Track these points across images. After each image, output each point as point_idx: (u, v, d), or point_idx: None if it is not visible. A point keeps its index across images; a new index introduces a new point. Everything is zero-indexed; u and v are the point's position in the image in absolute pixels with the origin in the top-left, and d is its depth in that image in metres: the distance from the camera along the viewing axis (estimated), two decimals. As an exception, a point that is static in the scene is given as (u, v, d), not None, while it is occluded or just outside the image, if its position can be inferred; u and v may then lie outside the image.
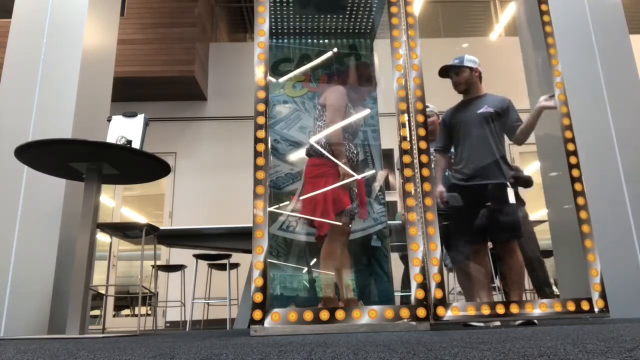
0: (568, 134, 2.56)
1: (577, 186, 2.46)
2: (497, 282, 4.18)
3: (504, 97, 2.94)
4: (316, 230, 2.89)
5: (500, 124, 2.86)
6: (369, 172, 3.22)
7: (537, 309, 2.21)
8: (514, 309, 2.22)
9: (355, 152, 2.98)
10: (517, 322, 2.52)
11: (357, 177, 2.91)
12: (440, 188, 2.85)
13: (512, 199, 2.78)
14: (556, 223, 3.28)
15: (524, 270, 2.79)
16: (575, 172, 2.48)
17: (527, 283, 4.31)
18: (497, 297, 4.06)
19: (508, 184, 2.79)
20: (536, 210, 4.06)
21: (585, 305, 2.24)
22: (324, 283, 2.82)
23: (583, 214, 2.42)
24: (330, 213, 2.77)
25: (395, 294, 3.29)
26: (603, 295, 2.26)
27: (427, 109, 3.25)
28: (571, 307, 2.23)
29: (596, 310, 2.22)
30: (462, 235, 2.92)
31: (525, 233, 3.94)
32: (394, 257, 4.00)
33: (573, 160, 2.51)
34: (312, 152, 2.97)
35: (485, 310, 2.21)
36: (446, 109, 3.14)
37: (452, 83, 2.98)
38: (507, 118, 2.87)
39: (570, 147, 2.53)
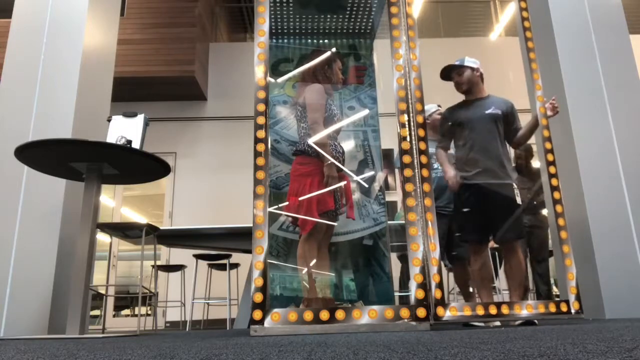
0: (547, 145, 2.67)
1: (556, 194, 2.59)
2: (497, 283, 4.19)
3: (507, 100, 2.92)
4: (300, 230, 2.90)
5: (504, 126, 2.86)
6: (368, 173, 3.21)
7: (525, 309, 2.31)
8: (505, 309, 2.28)
9: (341, 150, 2.96)
10: (517, 322, 2.53)
11: (341, 183, 2.90)
12: (452, 172, 2.83)
13: (517, 199, 2.77)
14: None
15: (525, 270, 2.79)
16: (554, 182, 2.61)
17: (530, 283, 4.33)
18: (497, 297, 4.06)
19: (514, 184, 2.78)
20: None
21: (563, 307, 2.36)
22: (307, 283, 2.82)
23: (561, 221, 2.54)
24: (314, 213, 2.77)
25: (395, 293, 3.29)
26: (578, 298, 2.40)
27: (439, 109, 3.27)
28: (552, 308, 2.35)
29: (573, 311, 2.36)
30: (465, 234, 2.91)
31: (539, 238, 3.95)
32: (394, 257, 4.00)
33: (552, 170, 2.63)
34: (297, 151, 2.97)
35: (482, 311, 2.24)
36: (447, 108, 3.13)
37: (454, 84, 2.96)
38: (511, 121, 2.86)
39: (550, 157, 2.66)
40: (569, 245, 2.50)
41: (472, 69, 2.91)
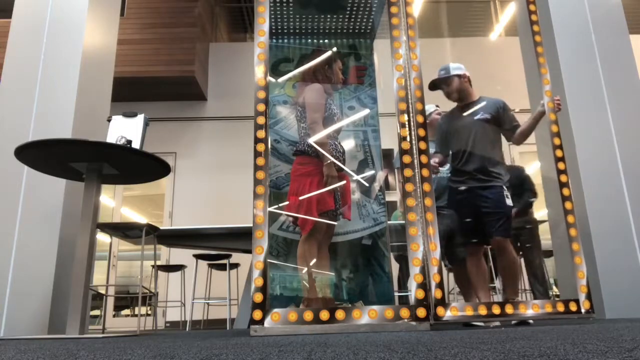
0: (556, 141, 2.64)
1: (565, 191, 2.54)
2: (496, 283, 4.19)
3: (498, 99, 2.93)
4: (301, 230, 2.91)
5: (496, 128, 2.88)
6: (368, 173, 3.21)
7: (530, 309, 2.28)
8: (509, 309, 2.25)
9: (341, 150, 2.96)
10: (513, 322, 2.54)
11: (341, 183, 2.90)
12: (433, 159, 2.82)
13: (506, 201, 2.79)
14: (556, 223, 3.29)
15: (517, 267, 2.81)
16: (563, 178, 2.56)
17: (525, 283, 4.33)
18: (497, 297, 4.07)
19: (504, 187, 2.81)
20: (537, 210, 4.08)
21: (573, 307, 2.32)
22: (306, 283, 2.82)
23: (570, 218, 2.50)
24: (313, 213, 2.78)
25: (394, 293, 3.28)
26: (589, 297, 2.35)
27: (437, 109, 3.30)
28: (560, 307, 2.31)
29: (583, 311, 2.32)
30: (458, 236, 2.93)
31: (528, 237, 3.97)
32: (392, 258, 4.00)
33: (561, 166, 2.59)
34: (297, 151, 2.98)
35: (483, 311, 2.23)
36: (447, 109, 3.15)
37: (444, 94, 2.98)
38: (503, 121, 2.88)
39: (559, 153, 2.61)
40: (579, 242, 2.45)
41: (459, 76, 2.92)
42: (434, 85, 2.97)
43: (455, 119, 2.97)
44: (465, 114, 2.93)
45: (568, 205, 2.52)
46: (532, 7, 2.92)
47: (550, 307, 2.30)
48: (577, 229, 2.48)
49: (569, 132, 3.25)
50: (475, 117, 2.87)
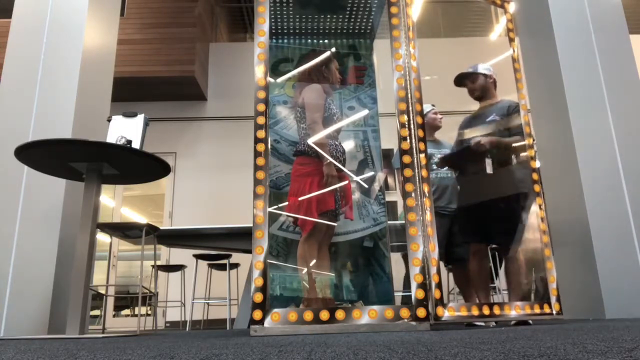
0: (531, 152, 2.73)
1: (538, 200, 2.65)
2: (497, 283, 4.18)
3: (510, 101, 2.91)
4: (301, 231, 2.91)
5: (507, 129, 2.86)
6: (367, 173, 3.21)
7: (513, 310, 2.36)
8: (497, 310, 2.31)
9: (341, 150, 2.97)
10: (512, 323, 2.55)
11: (342, 183, 2.90)
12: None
13: (517, 204, 2.79)
14: (555, 223, 3.29)
15: (524, 273, 2.81)
16: (537, 188, 2.66)
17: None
18: (498, 297, 4.06)
19: (516, 191, 2.80)
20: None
21: (547, 308, 2.43)
22: (306, 284, 2.83)
23: (542, 226, 2.60)
24: (313, 213, 2.79)
25: (397, 294, 3.28)
26: (559, 299, 2.47)
27: (433, 108, 3.32)
28: (537, 309, 2.41)
29: (554, 312, 2.42)
30: (465, 235, 2.93)
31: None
32: (395, 257, 4.00)
33: (535, 176, 2.68)
34: (297, 152, 2.99)
35: (480, 311, 2.25)
36: (445, 109, 3.16)
37: (467, 90, 3.01)
38: (509, 124, 2.86)
39: (533, 164, 2.71)
40: (550, 248, 2.57)
41: (485, 75, 2.95)
42: (460, 80, 2.99)
43: (471, 120, 3.01)
44: (480, 115, 2.95)
45: (541, 213, 2.62)
46: (508, 16, 2.98)
47: (528, 308, 2.40)
48: (549, 236, 2.60)
49: (568, 132, 3.25)
50: (487, 119, 2.89)
